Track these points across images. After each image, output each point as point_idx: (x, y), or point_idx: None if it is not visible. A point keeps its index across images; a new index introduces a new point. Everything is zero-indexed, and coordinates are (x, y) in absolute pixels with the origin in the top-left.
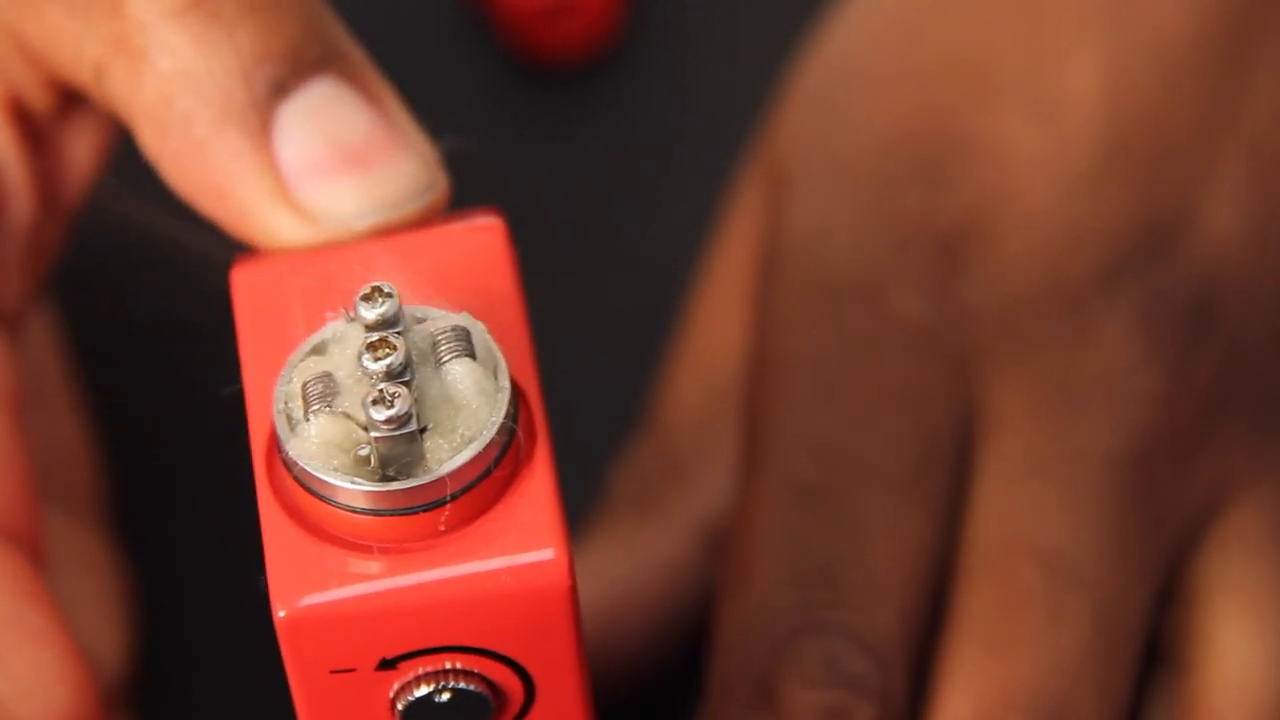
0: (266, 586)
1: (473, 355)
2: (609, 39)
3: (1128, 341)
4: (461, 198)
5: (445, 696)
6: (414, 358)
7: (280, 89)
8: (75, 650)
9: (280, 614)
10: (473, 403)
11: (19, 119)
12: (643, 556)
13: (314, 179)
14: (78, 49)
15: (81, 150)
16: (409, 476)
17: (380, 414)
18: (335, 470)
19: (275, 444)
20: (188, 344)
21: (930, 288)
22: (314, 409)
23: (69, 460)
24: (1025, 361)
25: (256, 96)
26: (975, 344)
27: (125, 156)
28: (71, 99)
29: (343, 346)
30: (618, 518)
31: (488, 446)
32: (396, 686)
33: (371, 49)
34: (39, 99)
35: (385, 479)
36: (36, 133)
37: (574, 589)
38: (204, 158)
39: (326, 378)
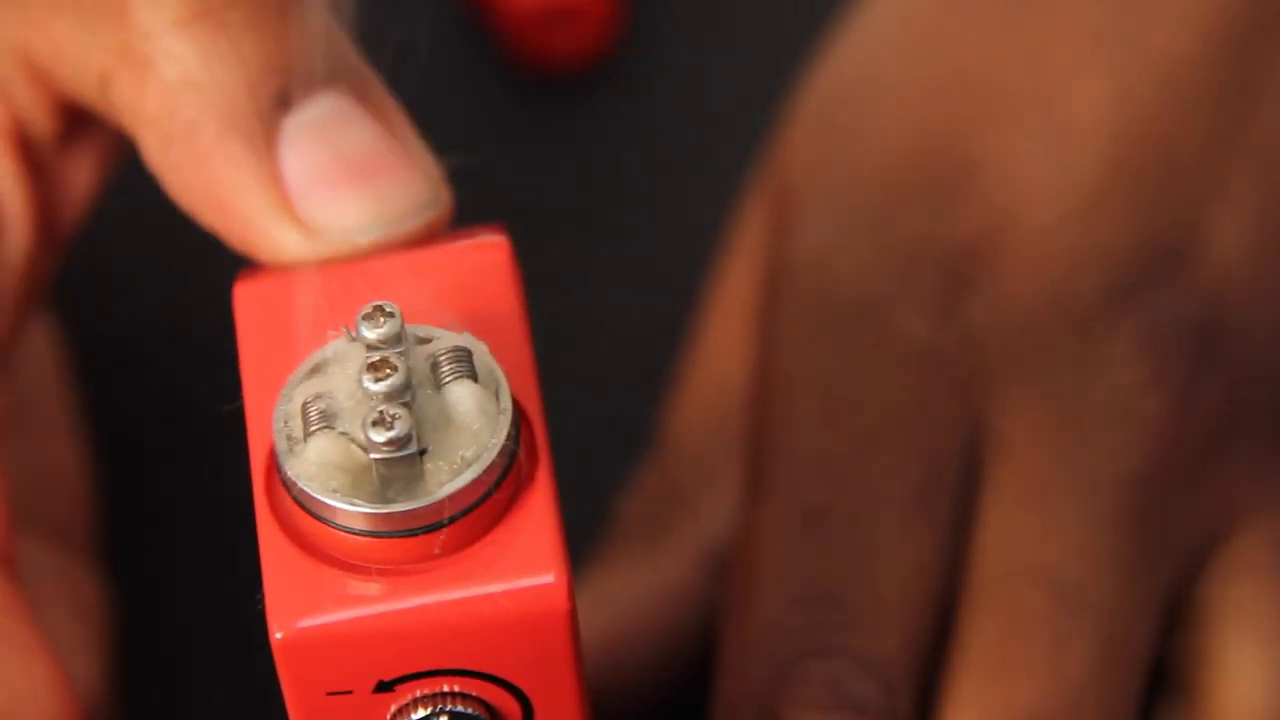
0: (264, 607)
1: (474, 376)
2: (609, 49)
3: (1134, 364)
4: (461, 211)
5: None
6: (415, 378)
7: (285, 101)
8: (58, 663)
9: (277, 635)
10: (474, 424)
11: (20, 147)
12: (648, 585)
13: (317, 192)
14: (83, 60)
15: (80, 178)
16: (408, 498)
17: (380, 435)
18: (334, 491)
19: (274, 463)
20: (188, 357)
21: (936, 309)
22: (314, 429)
23: (57, 485)
24: (1031, 384)
25: (261, 108)
26: (981, 366)
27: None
28: (73, 125)
29: (344, 366)
30: (623, 546)
31: (488, 469)
32: (394, 709)
33: (371, 61)
34: (41, 125)
35: (384, 500)
36: (37, 161)
37: (573, 613)
38: (207, 169)
39: (327, 397)
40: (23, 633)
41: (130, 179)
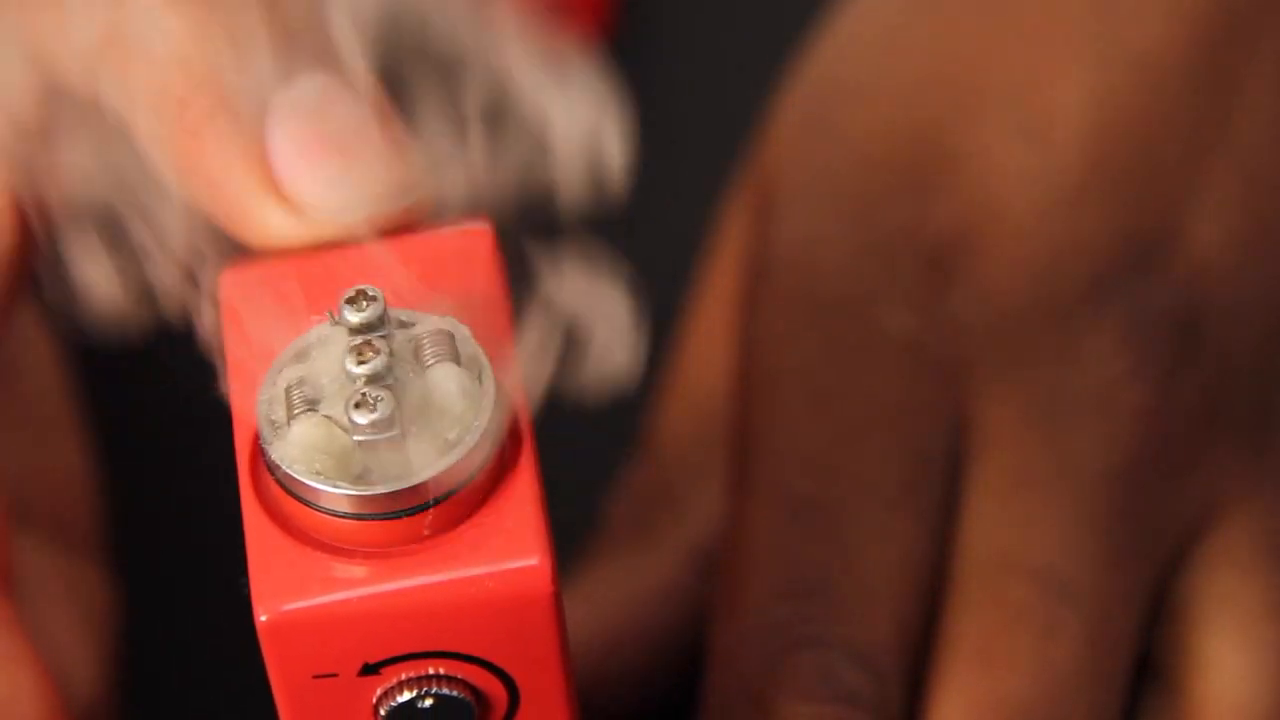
0: (249, 590)
1: (457, 359)
2: (595, 49)
3: (1115, 356)
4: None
5: (428, 702)
6: (398, 362)
7: (275, 79)
8: (46, 672)
9: (262, 618)
10: (456, 407)
11: (3, 136)
12: (637, 585)
13: (302, 169)
14: (76, 38)
15: (67, 169)
16: (392, 481)
17: (363, 418)
18: (318, 474)
19: (259, 447)
20: (188, 354)
21: (918, 302)
22: (297, 412)
23: (59, 482)
24: (1013, 376)
25: (251, 86)
26: (964, 358)
27: None
28: (59, 114)
29: (327, 350)
30: (612, 546)
31: (471, 451)
32: (379, 692)
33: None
34: (26, 111)
35: (368, 483)
36: (20, 150)
37: (558, 596)
38: (197, 147)
39: (310, 382)
40: (6, 637)
41: None
